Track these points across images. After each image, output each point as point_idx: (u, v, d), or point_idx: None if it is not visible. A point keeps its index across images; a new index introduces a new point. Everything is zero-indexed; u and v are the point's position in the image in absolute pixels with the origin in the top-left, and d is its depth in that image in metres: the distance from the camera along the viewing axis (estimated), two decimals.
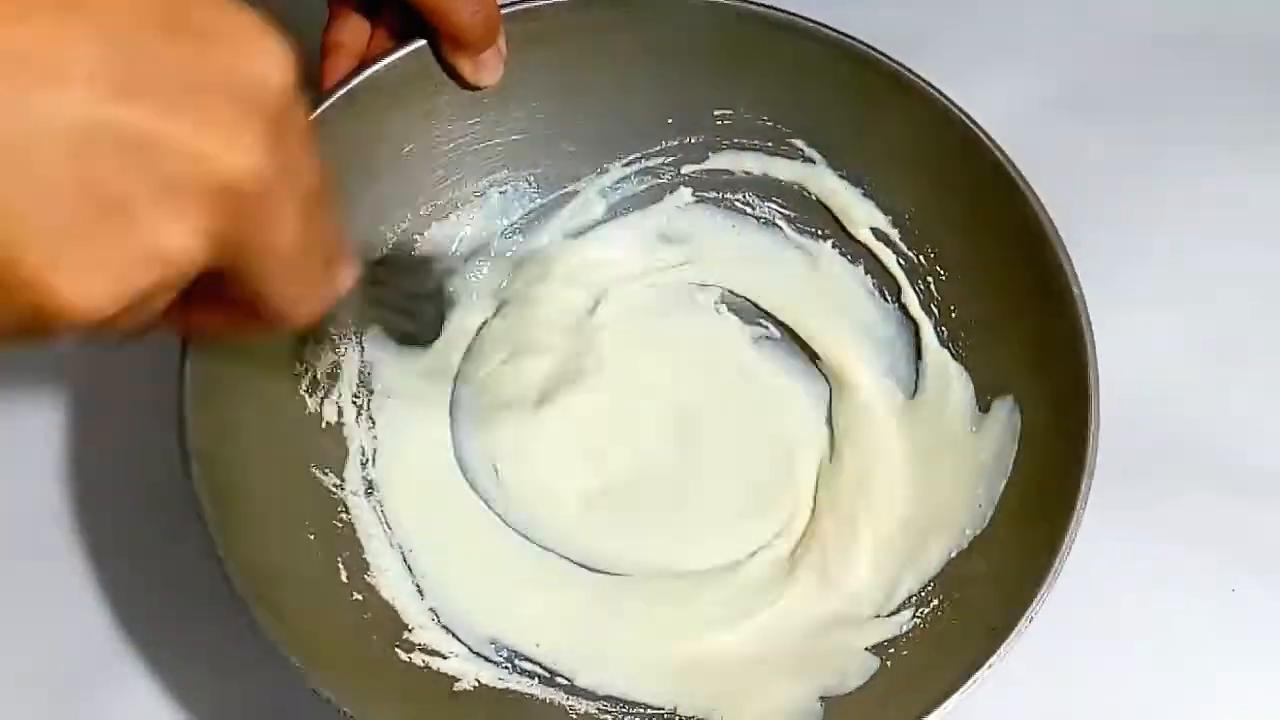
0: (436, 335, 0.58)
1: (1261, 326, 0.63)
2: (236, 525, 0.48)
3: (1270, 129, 0.66)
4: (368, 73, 0.54)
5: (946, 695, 0.46)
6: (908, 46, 0.55)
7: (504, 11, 0.55)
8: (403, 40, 0.54)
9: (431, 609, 0.55)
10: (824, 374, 0.61)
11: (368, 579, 0.55)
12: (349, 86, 0.53)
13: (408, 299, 0.55)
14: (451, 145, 0.59)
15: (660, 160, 0.62)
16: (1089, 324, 0.51)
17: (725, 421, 0.61)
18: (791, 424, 0.61)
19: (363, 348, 0.59)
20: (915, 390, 0.59)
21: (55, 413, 0.61)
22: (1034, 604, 0.47)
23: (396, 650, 0.53)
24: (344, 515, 0.56)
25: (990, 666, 0.47)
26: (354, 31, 0.55)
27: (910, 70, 0.56)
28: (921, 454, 0.58)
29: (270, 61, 0.32)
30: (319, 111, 0.53)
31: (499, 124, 0.59)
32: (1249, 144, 0.66)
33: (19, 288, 0.29)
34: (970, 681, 0.47)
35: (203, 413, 0.48)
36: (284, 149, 0.32)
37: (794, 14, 0.56)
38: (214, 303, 0.36)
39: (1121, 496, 0.58)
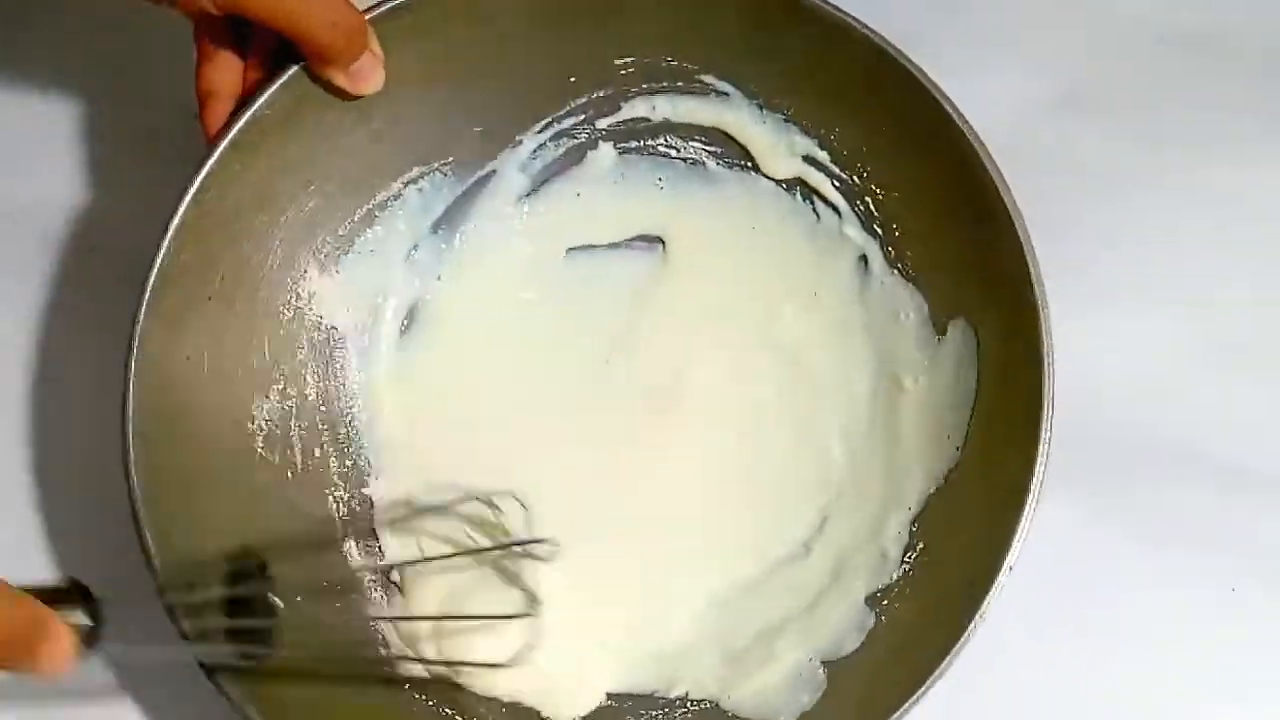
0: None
1: (1260, 325, 0.61)
2: None
3: (1267, 127, 0.64)
4: (248, 115, 0.52)
5: (941, 655, 0.46)
6: (905, 42, 0.53)
7: (378, 11, 0.53)
8: (279, 63, 0.52)
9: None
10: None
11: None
12: (231, 135, 0.51)
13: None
14: (353, 158, 0.56)
15: (573, 120, 0.60)
16: (1027, 236, 0.49)
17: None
18: None
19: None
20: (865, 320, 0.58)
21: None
22: (1013, 544, 0.47)
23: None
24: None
25: (983, 615, 0.47)
26: (227, 71, 0.53)
27: None
28: (872, 386, 0.57)
29: None
30: (208, 165, 0.51)
31: (396, 124, 0.57)
32: (1246, 142, 0.64)
33: None
34: (967, 631, 0.47)
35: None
36: None
37: None
38: None
39: (1121, 496, 0.58)
